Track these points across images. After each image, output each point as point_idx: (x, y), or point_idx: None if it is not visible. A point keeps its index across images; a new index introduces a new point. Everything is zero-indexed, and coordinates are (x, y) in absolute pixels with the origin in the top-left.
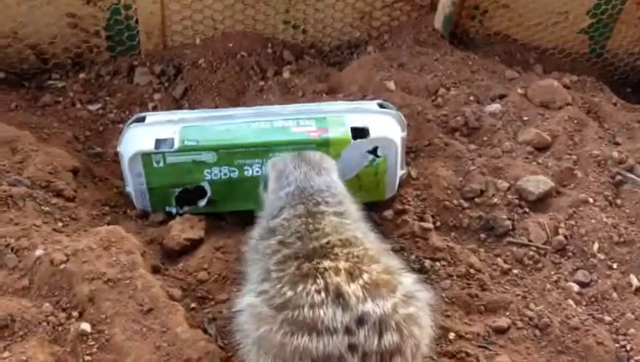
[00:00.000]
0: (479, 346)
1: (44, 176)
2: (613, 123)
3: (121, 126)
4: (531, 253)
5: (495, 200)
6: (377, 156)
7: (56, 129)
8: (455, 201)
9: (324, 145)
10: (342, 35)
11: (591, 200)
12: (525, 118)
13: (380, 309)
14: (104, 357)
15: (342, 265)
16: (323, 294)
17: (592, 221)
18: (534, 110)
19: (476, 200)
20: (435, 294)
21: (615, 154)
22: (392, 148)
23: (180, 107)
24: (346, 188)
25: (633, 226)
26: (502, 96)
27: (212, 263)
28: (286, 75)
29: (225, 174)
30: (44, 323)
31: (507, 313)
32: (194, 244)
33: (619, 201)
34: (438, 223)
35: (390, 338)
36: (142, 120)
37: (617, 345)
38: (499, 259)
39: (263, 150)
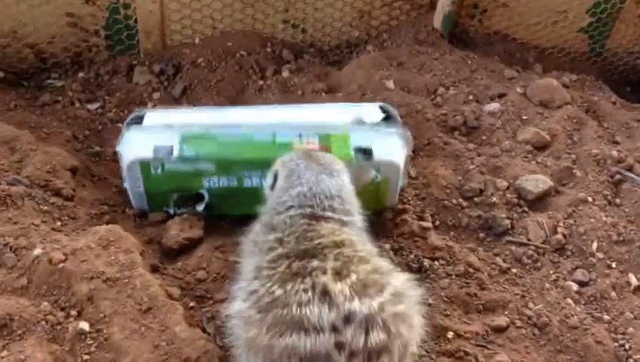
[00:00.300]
0: (478, 345)
1: (43, 175)
2: (613, 122)
3: (120, 125)
4: (530, 252)
5: (494, 199)
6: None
7: (55, 128)
8: (454, 200)
9: None
10: (341, 34)
11: (590, 199)
12: (524, 117)
13: (367, 308)
14: (103, 356)
15: (330, 264)
16: (310, 293)
17: (591, 220)
18: (533, 109)
19: (475, 199)
20: (434, 293)
21: (614, 153)
22: (395, 171)
23: (179, 106)
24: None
25: (632, 225)
26: (501, 96)
27: (211, 262)
28: (285, 74)
29: (224, 183)
30: (43, 322)
31: (506, 312)
32: (193, 244)
33: (618, 200)
34: (437, 222)
35: (377, 337)
36: (141, 118)
37: (616, 344)
38: (498, 258)
39: (262, 164)
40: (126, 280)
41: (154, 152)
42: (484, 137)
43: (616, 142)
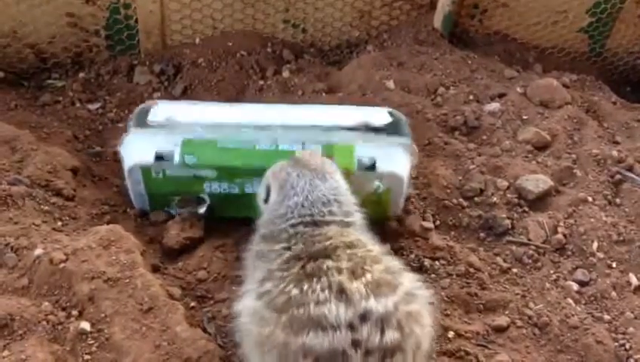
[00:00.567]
0: (478, 345)
1: (44, 175)
2: (613, 122)
3: (120, 125)
4: (531, 251)
5: (494, 199)
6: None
7: (56, 128)
8: (454, 200)
9: None
10: (341, 34)
11: (590, 199)
12: (525, 117)
13: (382, 307)
14: (104, 356)
15: (344, 264)
16: (327, 292)
17: (592, 220)
18: (534, 109)
19: (476, 199)
20: (435, 293)
21: (614, 153)
22: (398, 183)
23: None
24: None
25: (632, 225)
26: (501, 95)
27: (211, 262)
28: (285, 74)
29: (225, 189)
30: (44, 322)
31: (506, 312)
32: (193, 243)
33: (618, 200)
34: (438, 222)
35: (392, 336)
36: (147, 111)
37: (616, 343)
38: (498, 258)
39: (264, 173)
40: (127, 280)
41: (155, 158)
42: (484, 137)
43: (617, 142)
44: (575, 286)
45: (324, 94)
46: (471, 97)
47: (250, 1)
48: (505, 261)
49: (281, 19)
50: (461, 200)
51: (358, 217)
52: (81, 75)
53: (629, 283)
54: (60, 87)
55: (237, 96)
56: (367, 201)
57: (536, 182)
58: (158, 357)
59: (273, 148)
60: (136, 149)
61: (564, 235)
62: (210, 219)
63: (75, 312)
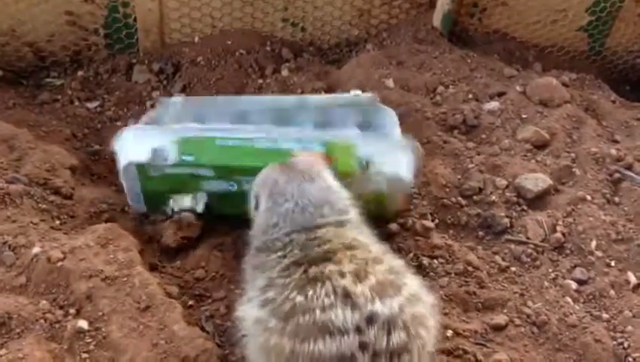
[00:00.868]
0: (477, 343)
1: (42, 173)
2: (612, 121)
3: (119, 124)
4: (529, 250)
5: (493, 197)
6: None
7: (54, 127)
8: (453, 199)
9: None
10: (341, 32)
11: (589, 197)
12: (524, 116)
13: (388, 309)
14: (101, 355)
15: (347, 267)
16: (332, 296)
17: (590, 218)
18: (533, 108)
19: (474, 198)
20: (433, 292)
21: (613, 151)
22: (399, 183)
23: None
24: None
25: (631, 224)
26: (500, 94)
27: (209, 261)
28: (285, 72)
29: (223, 188)
30: (42, 321)
31: (505, 310)
32: (191, 243)
33: (617, 199)
34: (437, 221)
35: (398, 337)
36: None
37: (615, 342)
38: (497, 257)
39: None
40: (125, 279)
41: (152, 156)
42: (483, 136)
43: (616, 141)
44: (574, 285)
45: (323, 93)
46: (470, 96)
47: None
48: (503, 259)
49: (280, 17)
50: (460, 198)
51: (353, 214)
52: (80, 73)
53: (627, 281)
54: (59, 85)
55: (236, 94)
56: (369, 201)
57: (535, 180)
58: (156, 356)
59: (272, 146)
60: (132, 147)
61: (563, 234)
62: (208, 217)
63: (72, 311)
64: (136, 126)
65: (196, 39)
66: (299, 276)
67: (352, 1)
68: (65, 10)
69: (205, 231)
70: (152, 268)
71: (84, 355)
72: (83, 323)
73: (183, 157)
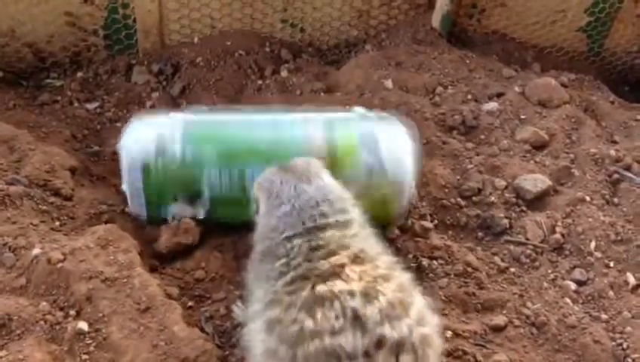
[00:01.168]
0: (476, 344)
1: (42, 174)
2: (611, 121)
3: (118, 125)
4: (528, 251)
5: (492, 198)
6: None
7: (54, 128)
8: (452, 200)
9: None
10: (340, 33)
11: (588, 198)
12: (523, 117)
13: (397, 331)
14: (101, 356)
15: (356, 286)
16: (341, 320)
17: (589, 219)
18: (532, 108)
19: (474, 198)
20: (433, 293)
21: (612, 152)
22: (405, 191)
23: (177, 106)
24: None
25: (630, 225)
26: (499, 95)
27: (209, 262)
28: (284, 73)
29: (226, 182)
30: (42, 322)
31: (504, 311)
32: (185, 249)
33: (616, 200)
34: (436, 222)
35: (406, 360)
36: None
37: (614, 343)
38: (496, 258)
39: (267, 157)
40: (125, 280)
41: (155, 155)
42: (482, 136)
43: (615, 142)
44: (573, 286)
45: (322, 94)
46: (469, 97)
47: (249, 0)
48: (503, 260)
49: (279, 18)
50: (459, 199)
51: (356, 213)
52: (80, 74)
53: (626, 282)
54: (59, 86)
55: (235, 95)
56: (371, 204)
57: (535, 181)
58: (156, 357)
59: (276, 133)
60: (136, 144)
61: (562, 235)
62: (208, 223)
63: (72, 312)
64: (138, 123)
65: (195, 40)
66: (306, 294)
67: (351, 2)
68: (64, 11)
69: (205, 233)
70: (152, 269)
71: (85, 357)
72: (83, 325)
73: (187, 145)
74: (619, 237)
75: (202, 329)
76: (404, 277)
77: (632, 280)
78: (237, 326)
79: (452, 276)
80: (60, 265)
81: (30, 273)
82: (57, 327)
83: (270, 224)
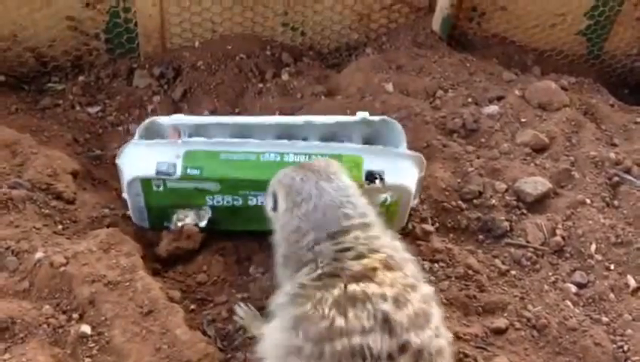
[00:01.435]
0: (477, 347)
1: (44, 178)
2: (611, 124)
3: (120, 128)
4: (529, 254)
5: (493, 201)
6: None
7: (56, 132)
8: (453, 203)
9: None
10: (340, 37)
11: (588, 201)
12: (523, 120)
13: (419, 339)
14: (104, 359)
15: (388, 291)
16: (372, 321)
17: (590, 222)
18: (532, 112)
19: (474, 201)
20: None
21: (612, 155)
22: (406, 194)
23: (179, 109)
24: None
25: (630, 227)
26: (500, 98)
27: (211, 265)
28: (285, 77)
29: (228, 202)
30: (45, 325)
31: (505, 314)
32: (187, 253)
33: (616, 202)
34: (437, 224)
35: None
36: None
37: (615, 345)
38: (497, 261)
39: (268, 185)
40: (127, 284)
41: (156, 170)
42: (482, 140)
43: (614, 145)
44: (573, 289)
45: (323, 97)
46: (469, 100)
47: (249, 4)
48: (503, 263)
49: (280, 22)
50: (460, 202)
51: (373, 217)
52: (81, 78)
53: (627, 285)
54: (60, 90)
55: (236, 99)
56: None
57: (535, 184)
58: (158, 360)
59: (278, 160)
60: (137, 161)
61: (563, 237)
62: (211, 231)
63: (75, 315)
64: (140, 141)
65: (197, 44)
66: (338, 292)
67: (352, 5)
68: (66, 16)
69: (207, 236)
70: (155, 272)
71: (87, 360)
72: (86, 328)
73: (188, 171)
74: (619, 240)
75: (204, 333)
76: (428, 289)
77: (632, 282)
78: (239, 329)
79: (453, 279)
80: (62, 268)
81: (33, 276)
82: (60, 330)
83: (292, 224)
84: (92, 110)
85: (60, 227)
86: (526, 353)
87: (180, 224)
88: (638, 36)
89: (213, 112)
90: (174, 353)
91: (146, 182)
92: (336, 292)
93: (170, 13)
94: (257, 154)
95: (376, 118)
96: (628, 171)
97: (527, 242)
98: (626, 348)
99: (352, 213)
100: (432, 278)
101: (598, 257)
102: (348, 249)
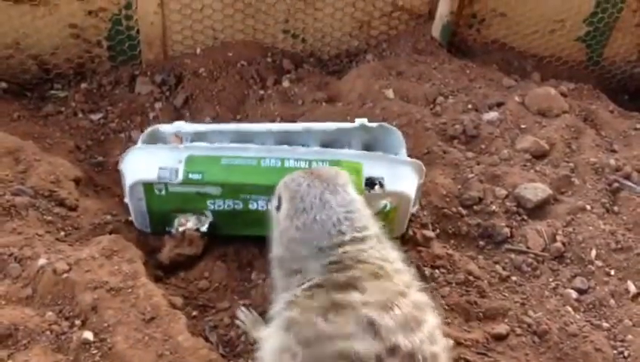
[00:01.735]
0: (478, 353)
1: (47, 185)
2: (610, 130)
3: (122, 135)
4: (530, 260)
5: (493, 207)
6: (376, 185)
7: (59, 138)
8: (454, 209)
9: None
10: (341, 44)
11: (588, 207)
12: (523, 126)
13: (410, 343)
14: None
15: (372, 298)
16: (356, 325)
17: (590, 228)
18: (532, 118)
19: (475, 207)
20: (435, 302)
21: (612, 161)
22: (406, 202)
23: (180, 116)
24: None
25: (630, 233)
26: (499, 104)
27: (213, 272)
28: (286, 83)
29: (229, 206)
30: (47, 332)
31: (506, 320)
32: (188, 260)
33: (616, 208)
34: (438, 231)
35: None
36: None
37: (615, 351)
38: (497, 266)
39: (269, 190)
40: (129, 290)
41: (158, 175)
42: (483, 146)
43: (614, 151)
44: (574, 294)
45: (323, 104)
46: (469, 106)
47: (251, 12)
48: (504, 269)
49: (280, 29)
50: (460, 208)
51: (373, 230)
52: (84, 85)
53: (627, 290)
54: (63, 97)
55: (238, 105)
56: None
57: (535, 190)
58: None
59: (279, 165)
60: (139, 166)
61: (563, 243)
62: (213, 235)
63: (78, 322)
64: (142, 146)
65: (198, 51)
66: (322, 299)
67: (352, 12)
68: (69, 23)
69: (208, 242)
70: (157, 279)
71: None
72: (88, 335)
73: (190, 176)
74: (619, 246)
75: (206, 339)
76: (421, 296)
77: (632, 288)
78: (241, 335)
79: (454, 285)
80: (65, 275)
81: (36, 283)
82: (63, 337)
83: (289, 233)
84: (94, 117)
85: (62, 234)
86: (527, 359)
87: (181, 229)
88: (637, 42)
89: (214, 119)
90: (176, 359)
91: (148, 187)
92: (321, 300)
93: (172, 20)
94: (258, 159)
95: (374, 125)
96: (628, 177)
97: (528, 248)
98: (626, 353)
99: (347, 230)
100: (433, 284)
101: (599, 263)
102: (335, 262)
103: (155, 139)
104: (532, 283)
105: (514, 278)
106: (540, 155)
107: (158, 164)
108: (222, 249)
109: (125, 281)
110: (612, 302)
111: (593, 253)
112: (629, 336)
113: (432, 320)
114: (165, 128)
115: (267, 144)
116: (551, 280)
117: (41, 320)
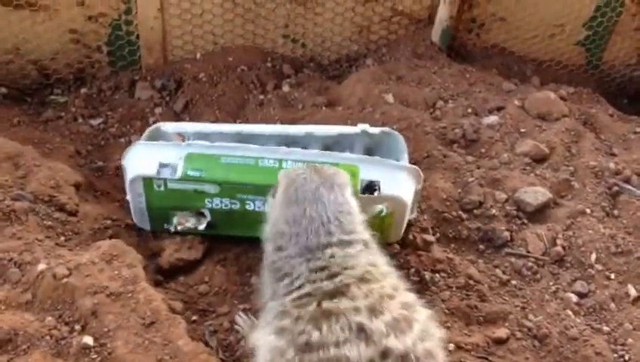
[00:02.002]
0: (479, 357)
1: (47, 190)
2: (610, 134)
3: (122, 140)
4: (530, 263)
5: (493, 211)
6: (375, 190)
7: (59, 144)
8: (454, 213)
9: None
10: (341, 48)
11: (588, 211)
12: (523, 130)
13: (402, 344)
14: None
15: (361, 303)
16: (347, 332)
17: (590, 232)
18: (531, 122)
19: (475, 211)
20: (435, 305)
21: (612, 165)
22: (402, 207)
23: (180, 121)
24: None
25: (630, 237)
26: (499, 108)
27: (213, 276)
28: (286, 88)
29: (226, 205)
30: (47, 337)
31: (506, 324)
32: (188, 265)
33: (616, 212)
34: (438, 235)
35: None
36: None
37: (615, 355)
38: (498, 270)
39: (266, 190)
40: (129, 295)
41: (158, 169)
42: (482, 150)
43: (614, 154)
44: (574, 298)
45: (323, 108)
46: (469, 110)
47: (251, 16)
48: (504, 273)
49: (280, 34)
50: (460, 212)
51: (363, 234)
52: (84, 90)
53: (627, 294)
54: (63, 102)
55: (238, 110)
56: (370, 225)
57: (535, 194)
58: None
59: (277, 166)
60: (140, 161)
61: (563, 247)
62: (212, 237)
63: (78, 327)
64: (145, 142)
65: (198, 56)
66: (313, 309)
67: (352, 17)
68: (69, 29)
69: (208, 246)
70: (157, 283)
71: None
72: (88, 339)
73: (189, 173)
74: (619, 249)
75: (206, 344)
76: (409, 297)
77: (632, 291)
78: (241, 340)
79: (454, 289)
80: (65, 280)
81: (36, 288)
82: (63, 342)
83: (278, 226)
84: (94, 122)
85: (62, 239)
86: None
87: (179, 228)
88: (636, 46)
89: (214, 123)
90: None
91: (147, 182)
92: (310, 308)
93: (172, 25)
94: (256, 159)
95: (376, 130)
96: (627, 181)
97: (528, 252)
98: (627, 357)
99: (335, 231)
100: (433, 288)
101: (599, 267)
102: (322, 268)
103: (157, 137)
104: (532, 287)
105: (514, 282)
106: (539, 159)
107: (159, 159)
108: (222, 253)
109: (125, 286)
110: (612, 305)
111: (593, 256)
112: (630, 340)
113: (421, 317)
114: (166, 127)
115: (268, 146)
116: (551, 283)
117: (40, 325)
